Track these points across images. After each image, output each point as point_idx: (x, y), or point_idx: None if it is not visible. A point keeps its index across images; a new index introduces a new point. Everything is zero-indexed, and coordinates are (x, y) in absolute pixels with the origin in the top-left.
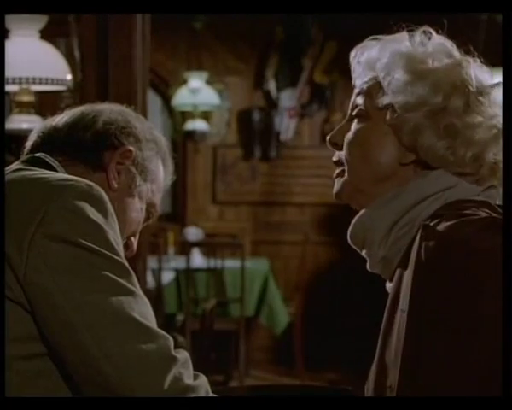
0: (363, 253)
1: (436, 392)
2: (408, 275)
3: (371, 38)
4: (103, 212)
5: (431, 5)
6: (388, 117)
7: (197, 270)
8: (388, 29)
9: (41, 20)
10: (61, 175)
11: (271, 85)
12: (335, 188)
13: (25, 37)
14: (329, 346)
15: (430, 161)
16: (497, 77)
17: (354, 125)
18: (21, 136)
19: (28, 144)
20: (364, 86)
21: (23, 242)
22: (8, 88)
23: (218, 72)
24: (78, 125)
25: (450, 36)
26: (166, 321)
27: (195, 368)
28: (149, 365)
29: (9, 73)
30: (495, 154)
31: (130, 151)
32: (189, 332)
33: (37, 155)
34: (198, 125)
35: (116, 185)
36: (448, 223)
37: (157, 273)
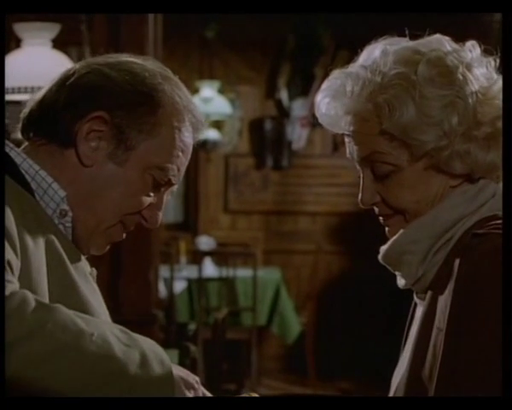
0: (397, 272)
1: None
2: (445, 293)
3: (326, 86)
4: None
5: (432, 6)
6: (427, 164)
7: (209, 279)
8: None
9: (53, 29)
10: None
11: (283, 94)
12: (391, 232)
13: (37, 46)
14: (341, 355)
15: (485, 174)
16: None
17: (389, 182)
18: None
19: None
20: (378, 148)
21: None
22: (20, 97)
23: (230, 81)
24: (48, 95)
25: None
26: (178, 330)
27: (207, 377)
28: None
29: (21, 82)
30: None
31: (100, 117)
32: (201, 341)
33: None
34: (210, 134)
35: (90, 162)
36: (487, 243)
37: (169, 282)
